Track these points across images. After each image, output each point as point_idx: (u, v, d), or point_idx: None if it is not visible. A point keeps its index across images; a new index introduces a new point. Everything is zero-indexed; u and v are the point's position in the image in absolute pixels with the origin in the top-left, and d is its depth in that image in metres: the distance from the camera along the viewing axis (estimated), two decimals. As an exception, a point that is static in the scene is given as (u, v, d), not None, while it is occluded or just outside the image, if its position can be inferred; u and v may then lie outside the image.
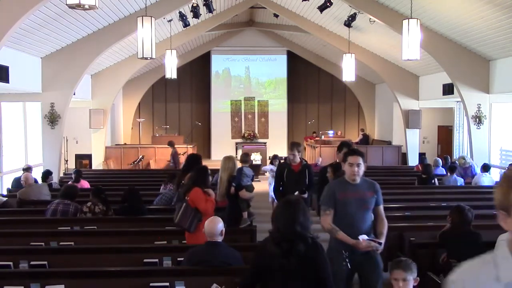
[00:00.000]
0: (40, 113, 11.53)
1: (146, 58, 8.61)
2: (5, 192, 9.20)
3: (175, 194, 7.03)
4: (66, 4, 5.89)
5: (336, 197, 3.89)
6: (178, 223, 4.91)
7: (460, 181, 9.24)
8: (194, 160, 6.46)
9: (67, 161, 14.88)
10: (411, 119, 14.98)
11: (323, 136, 17.99)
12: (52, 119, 11.24)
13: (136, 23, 8.37)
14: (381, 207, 4.01)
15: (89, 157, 15.10)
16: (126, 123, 18.79)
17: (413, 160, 14.99)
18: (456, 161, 11.63)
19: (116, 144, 16.95)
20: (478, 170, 10.36)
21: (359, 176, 3.88)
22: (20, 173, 9.44)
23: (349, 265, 3.80)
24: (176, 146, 16.07)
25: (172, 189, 7.15)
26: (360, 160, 3.87)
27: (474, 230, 4.62)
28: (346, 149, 5.53)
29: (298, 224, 2.87)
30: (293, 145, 6.48)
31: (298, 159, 6.40)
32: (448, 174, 9.45)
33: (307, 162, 6.78)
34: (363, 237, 3.76)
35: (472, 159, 11.41)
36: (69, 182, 8.79)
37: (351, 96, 20.36)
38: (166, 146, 15.93)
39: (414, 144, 15.36)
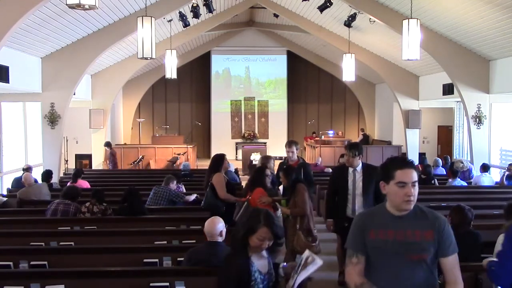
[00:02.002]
0: (40, 113, 11.53)
1: (146, 58, 8.61)
2: (5, 192, 9.20)
3: (169, 192, 7.06)
4: (66, 4, 5.89)
5: (365, 235, 2.52)
6: (238, 221, 5.06)
7: (464, 184, 9.21)
8: (220, 160, 6.40)
9: (67, 161, 14.89)
10: (411, 119, 14.98)
11: (323, 136, 18.00)
12: (52, 119, 11.24)
13: (136, 23, 8.37)
14: (452, 258, 2.47)
15: (89, 157, 15.10)
16: (126, 123, 18.79)
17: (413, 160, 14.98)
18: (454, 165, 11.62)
19: (116, 144, 16.95)
20: (475, 173, 10.35)
21: (414, 203, 2.49)
22: (20, 173, 9.45)
23: None
24: (175, 146, 16.15)
25: (167, 187, 7.17)
26: (416, 176, 2.50)
27: (474, 230, 4.62)
28: (354, 152, 5.17)
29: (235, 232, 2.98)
30: (291, 142, 6.51)
31: (295, 157, 6.43)
32: (451, 178, 9.35)
33: (304, 161, 6.78)
34: None
35: (472, 159, 11.41)
36: (69, 183, 8.81)
37: (351, 96, 20.37)
38: (166, 146, 16.01)
39: (414, 144, 15.36)
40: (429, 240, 2.45)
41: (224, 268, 2.95)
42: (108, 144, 13.95)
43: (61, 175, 11.97)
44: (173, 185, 7.29)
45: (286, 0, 13.64)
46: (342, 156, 6.82)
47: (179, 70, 14.66)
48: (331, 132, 18.92)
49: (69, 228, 5.79)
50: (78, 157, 15.86)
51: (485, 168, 9.52)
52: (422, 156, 15.54)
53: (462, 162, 10.72)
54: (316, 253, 4.28)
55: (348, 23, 12.28)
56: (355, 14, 11.86)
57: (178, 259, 4.39)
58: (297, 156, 6.51)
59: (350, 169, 5.36)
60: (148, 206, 6.91)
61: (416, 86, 15.17)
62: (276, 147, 18.81)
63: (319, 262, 3.02)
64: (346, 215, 5.22)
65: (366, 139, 18.90)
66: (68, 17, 9.67)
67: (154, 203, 7.04)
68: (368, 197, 5.20)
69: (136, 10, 11.05)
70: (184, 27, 13.12)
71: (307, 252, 3.09)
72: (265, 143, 18.20)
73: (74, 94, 11.79)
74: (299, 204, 5.23)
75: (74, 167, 14.66)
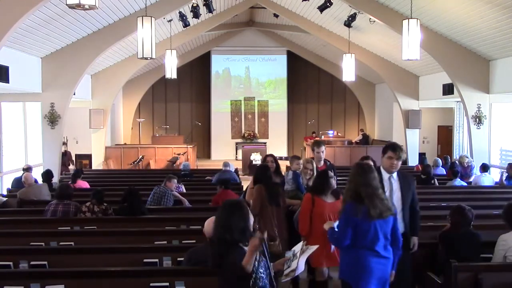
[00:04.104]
0: (40, 113, 11.53)
1: (146, 58, 8.60)
2: (5, 192, 9.20)
3: (167, 190, 7.07)
4: (66, 4, 5.88)
5: None
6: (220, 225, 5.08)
7: (464, 184, 9.21)
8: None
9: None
10: (411, 119, 14.98)
11: (323, 136, 17.99)
12: (52, 119, 11.24)
13: (136, 23, 8.37)
14: None
15: (89, 157, 15.11)
16: (126, 123, 18.79)
17: (413, 160, 14.99)
18: (456, 161, 11.65)
19: (116, 144, 16.96)
20: (476, 170, 10.38)
21: None
22: (20, 173, 9.44)
23: None
24: (175, 146, 16.22)
25: (163, 186, 7.18)
26: None
27: (474, 231, 4.62)
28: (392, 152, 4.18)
29: (222, 226, 3.04)
30: (320, 143, 6.14)
31: (323, 160, 6.14)
32: (453, 179, 9.34)
33: (331, 163, 6.46)
34: None
35: (472, 159, 11.44)
36: (69, 182, 8.80)
37: (351, 96, 20.36)
38: (166, 146, 16.03)
39: (414, 144, 15.35)
40: None
41: (228, 267, 2.96)
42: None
43: (61, 175, 11.97)
44: (170, 184, 7.29)
45: (286, 0, 13.64)
46: (366, 158, 6.08)
47: (179, 70, 14.66)
48: (331, 132, 18.92)
49: (69, 228, 5.79)
50: (78, 157, 15.86)
51: (484, 168, 9.52)
52: (422, 156, 15.54)
53: (468, 157, 10.86)
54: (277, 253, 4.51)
55: (348, 23, 12.28)
56: (355, 14, 11.85)
57: (178, 259, 4.39)
58: (324, 159, 6.21)
59: (386, 176, 4.27)
60: (149, 206, 6.91)
61: (416, 86, 15.17)
62: (276, 147, 18.83)
63: (313, 246, 3.48)
64: None
65: (365, 139, 18.90)
66: (68, 17, 9.67)
67: (154, 203, 7.05)
68: (405, 212, 4.28)
69: (136, 10, 11.05)
70: (184, 27, 13.11)
71: (300, 244, 3.36)
72: (265, 143, 18.20)
73: (74, 94, 11.79)
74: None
75: (74, 167, 14.67)
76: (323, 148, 6.09)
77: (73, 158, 15.40)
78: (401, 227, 4.23)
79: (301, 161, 6.27)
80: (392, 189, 4.25)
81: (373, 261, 3.68)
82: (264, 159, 6.62)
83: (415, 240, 4.40)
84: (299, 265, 3.27)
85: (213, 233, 3.18)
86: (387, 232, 3.74)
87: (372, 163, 5.63)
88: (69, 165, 13.92)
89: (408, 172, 12.48)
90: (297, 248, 3.38)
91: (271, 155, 6.60)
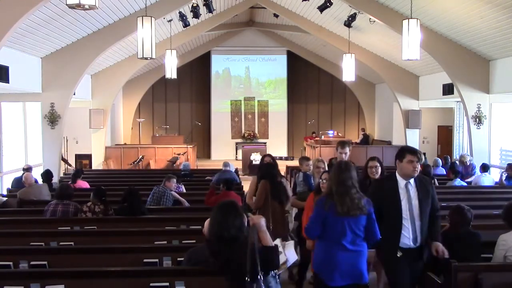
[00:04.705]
0: (40, 113, 11.53)
1: (146, 58, 8.60)
2: (5, 192, 9.20)
3: (166, 190, 7.08)
4: (66, 4, 5.89)
5: None
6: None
7: (464, 184, 9.21)
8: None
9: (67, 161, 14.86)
10: (411, 119, 14.99)
11: (323, 136, 17.99)
12: (52, 119, 11.24)
13: (136, 23, 8.37)
14: None
15: (89, 157, 15.09)
16: (126, 123, 18.79)
17: (413, 160, 14.96)
18: (456, 161, 11.65)
19: (116, 144, 16.96)
20: (476, 170, 10.39)
21: None
22: (20, 173, 9.45)
23: None
24: (175, 146, 16.23)
25: (163, 186, 7.18)
26: None
27: (474, 230, 4.62)
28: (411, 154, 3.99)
29: (219, 225, 3.17)
30: (344, 143, 5.89)
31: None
32: (453, 178, 9.33)
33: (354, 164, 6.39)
34: None
35: (472, 159, 11.44)
36: (69, 182, 8.80)
37: (351, 96, 20.37)
38: (166, 146, 16.03)
39: (414, 144, 15.29)
40: None
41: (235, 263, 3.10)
42: None
43: (61, 175, 11.98)
44: (169, 183, 7.29)
45: (286, 0, 13.64)
46: (372, 158, 5.66)
47: (179, 70, 14.66)
48: (331, 132, 18.92)
49: (69, 228, 5.78)
50: (78, 157, 15.84)
51: (484, 168, 9.52)
52: (422, 156, 15.52)
53: (468, 155, 10.89)
54: None
55: (348, 23, 12.28)
56: (355, 14, 11.86)
57: (178, 259, 4.38)
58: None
59: (402, 183, 4.04)
60: (148, 206, 6.92)
61: (416, 86, 15.18)
62: (276, 147, 18.84)
63: (291, 241, 3.81)
64: (402, 245, 4.01)
65: (366, 139, 18.91)
66: (68, 17, 9.67)
67: (153, 203, 7.06)
68: (423, 222, 4.01)
69: (136, 10, 11.05)
70: (184, 27, 13.12)
71: (277, 241, 3.51)
72: (265, 143, 18.21)
73: (74, 94, 11.80)
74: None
75: (74, 167, 14.66)
76: (347, 149, 5.85)
77: (65, 157, 15.32)
78: (418, 237, 4.00)
79: (311, 162, 6.23)
80: (409, 196, 4.00)
81: (339, 255, 3.83)
82: (262, 159, 6.67)
83: (437, 245, 4.05)
84: (288, 256, 3.37)
85: (210, 233, 3.27)
86: (357, 230, 3.84)
87: (378, 164, 5.57)
88: None
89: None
90: (279, 243, 3.47)
91: (269, 155, 6.69)
